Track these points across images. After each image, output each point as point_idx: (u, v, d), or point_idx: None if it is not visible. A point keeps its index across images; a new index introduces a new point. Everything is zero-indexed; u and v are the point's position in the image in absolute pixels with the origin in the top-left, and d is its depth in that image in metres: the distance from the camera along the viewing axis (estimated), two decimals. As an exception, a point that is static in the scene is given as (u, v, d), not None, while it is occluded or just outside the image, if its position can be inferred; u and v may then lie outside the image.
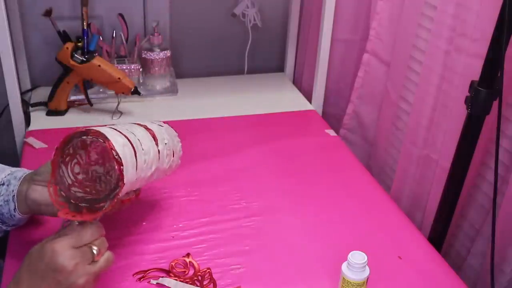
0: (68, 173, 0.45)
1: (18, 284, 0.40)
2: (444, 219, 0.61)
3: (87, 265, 0.41)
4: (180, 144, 0.58)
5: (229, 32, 1.03)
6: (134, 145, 0.46)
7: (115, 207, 0.47)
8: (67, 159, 0.45)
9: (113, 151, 0.43)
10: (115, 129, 0.47)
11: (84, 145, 0.45)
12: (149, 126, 0.53)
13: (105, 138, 0.43)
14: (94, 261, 0.42)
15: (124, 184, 0.43)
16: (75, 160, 0.45)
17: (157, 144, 0.51)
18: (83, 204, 0.44)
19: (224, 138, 0.82)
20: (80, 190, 0.45)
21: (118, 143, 0.44)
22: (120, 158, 0.43)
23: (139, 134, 0.49)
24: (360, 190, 0.70)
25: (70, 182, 0.45)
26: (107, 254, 0.43)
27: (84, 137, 0.44)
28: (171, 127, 0.58)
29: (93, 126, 0.45)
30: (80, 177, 0.45)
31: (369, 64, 0.85)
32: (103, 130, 0.45)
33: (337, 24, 0.88)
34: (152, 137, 0.51)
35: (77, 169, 0.45)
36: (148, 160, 0.48)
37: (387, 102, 0.81)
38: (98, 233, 0.43)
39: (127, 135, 0.47)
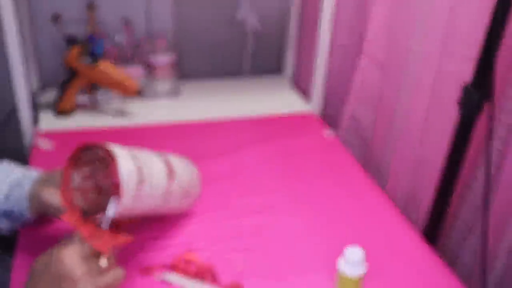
0: (75, 179, 0.45)
1: None
2: (437, 217, 0.62)
3: (94, 276, 0.39)
4: (198, 189, 0.57)
5: (230, 35, 1.05)
6: (144, 174, 0.46)
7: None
8: (77, 165, 0.46)
9: (117, 171, 0.43)
10: (133, 154, 0.47)
11: (96, 158, 0.46)
12: (173, 164, 0.52)
13: (114, 157, 0.43)
14: (101, 275, 0.40)
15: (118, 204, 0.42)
16: (84, 169, 0.46)
17: (171, 181, 0.50)
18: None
19: (225, 139, 0.83)
20: (81, 198, 0.45)
21: (124, 167, 0.44)
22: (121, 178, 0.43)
23: (156, 167, 0.49)
24: (357, 189, 0.72)
25: (75, 187, 0.45)
26: (117, 270, 0.41)
27: (98, 151, 0.45)
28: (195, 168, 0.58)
29: (117, 145, 0.45)
30: (85, 184, 0.46)
31: (366, 67, 0.86)
32: (118, 151, 0.45)
33: (335, 28, 0.89)
34: (169, 172, 0.50)
35: (82, 176, 0.46)
36: (154, 194, 0.48)
37: (383, 104, 0.82)
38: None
39: (141, 163, 0.46)
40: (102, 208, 0.44)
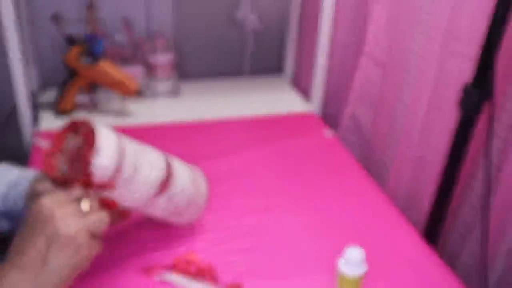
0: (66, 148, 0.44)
1: (13, 247, 0.38)
2: (437, 217, 0.62)
3: (77, 216, 0.38)
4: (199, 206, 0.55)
5: (230, 34, 1.04)
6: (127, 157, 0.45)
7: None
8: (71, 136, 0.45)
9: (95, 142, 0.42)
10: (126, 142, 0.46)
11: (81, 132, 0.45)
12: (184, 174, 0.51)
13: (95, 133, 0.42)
14: (84, 216, 0.39)
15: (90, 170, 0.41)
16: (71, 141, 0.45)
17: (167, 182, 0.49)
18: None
19: (225, 139, 0.83)
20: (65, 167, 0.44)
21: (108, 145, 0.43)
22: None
23: (150, 162, 0.48)
24: (357, 189, 0.71)
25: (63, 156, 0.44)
26: (102, 213, 0.40)
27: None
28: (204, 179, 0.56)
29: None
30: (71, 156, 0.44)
31: (366, 67, 0.86)
32: (104, 131, 0.44)
33: (336, 27, 0.88)
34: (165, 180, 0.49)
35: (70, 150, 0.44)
36: (138, 185, 0.46)
37: (384, 103, 0.82)
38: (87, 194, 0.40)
39: (131, 150, 0.45)
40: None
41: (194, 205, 0.55)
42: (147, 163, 0.49)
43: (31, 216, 0.39)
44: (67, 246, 0.38)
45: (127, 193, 0.47)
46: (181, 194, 0.53)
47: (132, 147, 0.48)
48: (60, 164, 0.45)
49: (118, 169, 0.44)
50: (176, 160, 0.55)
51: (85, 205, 0.40)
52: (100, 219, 0.41)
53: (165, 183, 0.50)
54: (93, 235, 0.40)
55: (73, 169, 0.44)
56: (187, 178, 0.54)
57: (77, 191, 0.41)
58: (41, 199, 0.39)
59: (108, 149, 0.44)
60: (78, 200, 0.41)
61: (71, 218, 0.39)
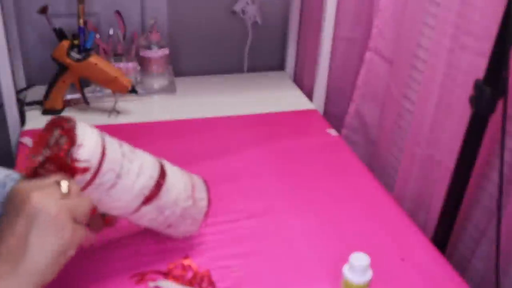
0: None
1: None
2: (448, 220, 0.61)
3: (56, 197, 0.36)
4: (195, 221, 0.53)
5: (229, 29, 1.02)
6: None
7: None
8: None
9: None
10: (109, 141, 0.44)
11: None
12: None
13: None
14: (65, 197, 0.37)
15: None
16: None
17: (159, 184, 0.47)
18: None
19: (224, 138, 0.81)
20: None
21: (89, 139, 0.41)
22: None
23: (145, 163, 0.46)
24: (362, 191, 0.70)
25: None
26: (83, 197, 0.39)
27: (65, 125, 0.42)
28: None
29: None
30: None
31: (372, 63, 0.84)
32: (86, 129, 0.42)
33: (339, 21, 0.87)
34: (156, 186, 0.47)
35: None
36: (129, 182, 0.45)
37: (390, 101, 0.80)
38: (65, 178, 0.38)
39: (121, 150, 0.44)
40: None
41: (190, 219, 0.53)
42: (135, 169, 0.46)
43: (8, 203, 0.37)
44: (48, 227, 0.35)
45: (108, 199, 0.45)
46: (173, 206, 0.50)
47: (117, 149, 0.46)
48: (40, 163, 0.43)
49: (97, 168, 0.42)
50: (176, 169, 0.52)
51: (64, 186, 0.38)
52: (82, 203, 0.39)
53: (153, 193, 0.48)
54: (75, 219, 0.38)
55: (51, 162, 0.42)
56: (182, 189, 0.51)
57: (55, 177, 0.39)
58: (17, 184, 0.37)
59: (88, 144, 0.42)
60: (57, 183, 0.38)
61: (50, 198, 0.36)
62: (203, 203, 0.54)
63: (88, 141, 0.42)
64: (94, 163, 0.42)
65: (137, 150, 0.49)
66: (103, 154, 0.43)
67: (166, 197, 0.49)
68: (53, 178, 0.39)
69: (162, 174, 0.49)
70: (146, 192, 0.47)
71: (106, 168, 0.43)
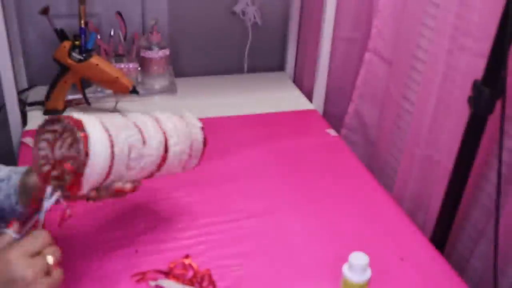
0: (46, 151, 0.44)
1: None
2: (446, 220, 0.61)
3: (44, 276, 0.39)
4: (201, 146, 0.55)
5: (229, 30, 1.03)
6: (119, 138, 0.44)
7: (105, 193, 0.46)
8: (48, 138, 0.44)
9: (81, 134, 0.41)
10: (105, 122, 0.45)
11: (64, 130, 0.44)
12: (163, 122, 0.51)
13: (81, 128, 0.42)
14: (48, 274, 0.40)
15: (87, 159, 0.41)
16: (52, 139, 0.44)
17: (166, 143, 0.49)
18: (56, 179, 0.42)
19: (224, 138, 0.81)
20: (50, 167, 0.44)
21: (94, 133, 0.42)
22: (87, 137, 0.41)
23: (150, 129, 0.48)
24: (361, 191, 0.70)
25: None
26: (59, 271, 0.41)
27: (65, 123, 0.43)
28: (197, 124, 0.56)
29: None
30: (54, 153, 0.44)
31: (371, 63, 0.84)
32: (87, 119, 0.43)
33: (339, 22, 0.87)
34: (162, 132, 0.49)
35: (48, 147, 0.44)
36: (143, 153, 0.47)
37: (389, 101, 0.80)
38: (49, 238, 0.41)
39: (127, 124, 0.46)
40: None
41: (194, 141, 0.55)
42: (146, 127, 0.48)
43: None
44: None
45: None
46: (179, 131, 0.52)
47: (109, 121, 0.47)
48: (46, 156, 0.44)
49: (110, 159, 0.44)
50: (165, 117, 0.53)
51: (49, 259, 0.41)
52: (60, 275, 0.41)
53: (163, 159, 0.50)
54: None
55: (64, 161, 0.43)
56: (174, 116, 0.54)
57: (39, 240, 0.41)
58: (7, 254, 0.39)
59: (94, 125, 0.43)
60: (40, 252, 0.40)
61: (41, 280, 0.39)
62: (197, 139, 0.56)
63: (94, 133, 0.43)
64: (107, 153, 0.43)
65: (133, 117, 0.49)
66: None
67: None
68: (38, 242, 0.40)
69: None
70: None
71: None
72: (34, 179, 0.47)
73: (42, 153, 0.45)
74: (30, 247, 0.40)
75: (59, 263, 0.41)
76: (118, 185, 0.47)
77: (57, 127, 0.44)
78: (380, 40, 0.81)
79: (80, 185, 0.42)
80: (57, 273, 0.40)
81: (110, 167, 0.44)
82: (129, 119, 0.49)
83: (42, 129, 0.44)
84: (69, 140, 0.43)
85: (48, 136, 0.44)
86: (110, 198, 0.48)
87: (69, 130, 0.43)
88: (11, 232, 0.41)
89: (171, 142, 0.51)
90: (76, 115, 0.44)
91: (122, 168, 0.45)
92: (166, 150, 0.50)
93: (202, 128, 0.56)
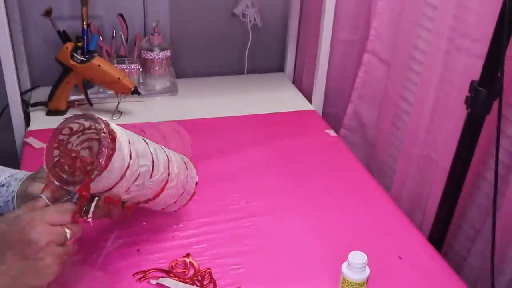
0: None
1: None
2: (444, 219, 0.61)
3: (58, 246, 0.40)
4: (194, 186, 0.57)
5: (229, 32, 1.03)
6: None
7: (103, 207, 0.46)
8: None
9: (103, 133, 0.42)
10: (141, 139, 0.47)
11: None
12: (171, 163, 0.52)
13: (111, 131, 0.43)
14: (64, 245, 0.41)
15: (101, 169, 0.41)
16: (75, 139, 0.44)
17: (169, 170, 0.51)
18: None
19: (224, 138, 0.81)
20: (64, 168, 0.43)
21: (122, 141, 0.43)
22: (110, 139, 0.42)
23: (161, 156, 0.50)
24: (359, 190, 0.70)
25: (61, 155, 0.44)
26: (74, 245, 0.42)
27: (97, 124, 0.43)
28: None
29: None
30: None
31: (370, 64, 0.85)
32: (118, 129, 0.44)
33: (337, 24, 0.87)
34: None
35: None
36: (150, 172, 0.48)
37: (387, 102, 0.81)
38: (75, 215, 0.41)
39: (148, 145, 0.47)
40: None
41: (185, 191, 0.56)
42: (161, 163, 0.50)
43: (15, 227, 0.39)
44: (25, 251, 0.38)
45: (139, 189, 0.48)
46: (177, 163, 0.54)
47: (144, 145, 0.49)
48: (64, 161, 0.44)
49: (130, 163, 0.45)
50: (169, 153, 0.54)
51: (69, 233, 0.41)
52: (74, 247, 0.42)
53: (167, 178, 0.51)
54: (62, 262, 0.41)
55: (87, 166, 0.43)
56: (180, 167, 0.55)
57: (66, 215, 0.42)
58: (32, 215, 0.40)
59: (124, 144, 0.44)
60: (64, 226, 0.41)
61: (53, 249, 0.39)
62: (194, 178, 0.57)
63: (124, 139, 0.44)
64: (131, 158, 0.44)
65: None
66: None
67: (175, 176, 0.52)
68: (64, 216, 0.41)
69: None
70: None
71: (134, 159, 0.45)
72: (32, 188, 0.47)
73: (61, 137, 0.44)
74: (55, 216, 0.40)
75: (76, 240, 0.42)
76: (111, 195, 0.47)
77: (88, 123, 0.44)
78: (378, 41, 0.82)
79: (87, 189, 0.42)
80: (70, 247, 0.41)
81: (116, 184, 0.44)
82: (149, 147, 0.49)
83: (72, 118, 0.44)
84: (92, 143, 0.43)
85: (75, 125, 0.44)
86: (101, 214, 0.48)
87: (101, 136, 0.42)
88: (45, 198, 0.42)
89: (168, 185, 0.52)
90: (113, 125, 0.44)
91: (122, 190, 0.46)
92: (162, 189, 0.51)
93: (197, 183, 0.58)
